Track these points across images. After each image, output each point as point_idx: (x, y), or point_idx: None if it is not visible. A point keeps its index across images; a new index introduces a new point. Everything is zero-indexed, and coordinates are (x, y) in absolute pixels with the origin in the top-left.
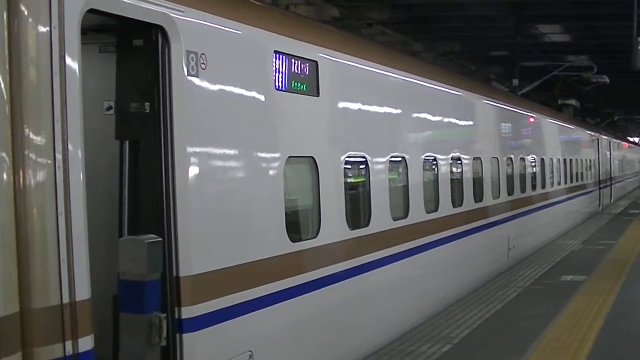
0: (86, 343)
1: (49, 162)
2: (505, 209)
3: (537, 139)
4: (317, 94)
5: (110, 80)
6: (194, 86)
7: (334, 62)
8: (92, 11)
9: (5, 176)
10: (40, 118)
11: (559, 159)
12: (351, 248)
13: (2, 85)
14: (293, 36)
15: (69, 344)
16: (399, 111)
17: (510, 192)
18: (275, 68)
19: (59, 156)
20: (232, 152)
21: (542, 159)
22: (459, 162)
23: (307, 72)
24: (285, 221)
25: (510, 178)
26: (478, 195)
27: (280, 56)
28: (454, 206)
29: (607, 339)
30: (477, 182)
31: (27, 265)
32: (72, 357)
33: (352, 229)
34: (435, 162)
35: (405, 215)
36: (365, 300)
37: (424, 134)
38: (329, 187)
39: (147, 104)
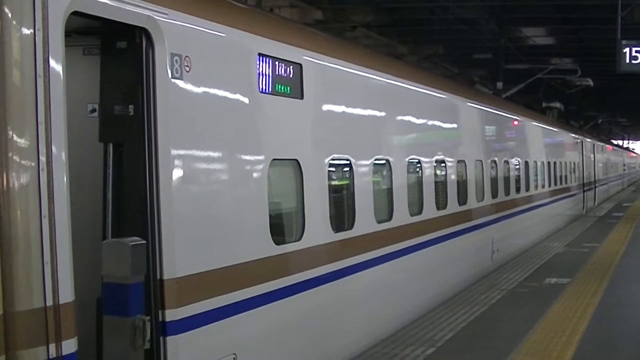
0: (70, 346)
1: (33, 164)
2: (489, 211)
3: (521, 141)
4: (302, 97)
5: (94, 82)
6: (178, 89)
7: (319, 65)
8: (76, 13)
9: None
10: (24, 120)
11: (542, 162)
12: (335, 251)
13: None
14: (277, 39)
15: (52, 347)
16: (383, 114)
17: (494, 194)
18: (260, 71)
19: (42, 159)
20: (216, 154)
21: (526, 162)
22: (443, 164)
23: (292, 75)
24: (269, 224)
25: (494, 181)
26: (462, 198)
27: (265, 59)
28: (438, 209)
29: (591, 342)
30: (461, 185)
31: (11, 267)
32: None
33: (336, 232)
34: (419, 165)
35: (390, 218)
36: (349, 303)
37: (408, 136)
38: (313, 190)
39: (131, 107)
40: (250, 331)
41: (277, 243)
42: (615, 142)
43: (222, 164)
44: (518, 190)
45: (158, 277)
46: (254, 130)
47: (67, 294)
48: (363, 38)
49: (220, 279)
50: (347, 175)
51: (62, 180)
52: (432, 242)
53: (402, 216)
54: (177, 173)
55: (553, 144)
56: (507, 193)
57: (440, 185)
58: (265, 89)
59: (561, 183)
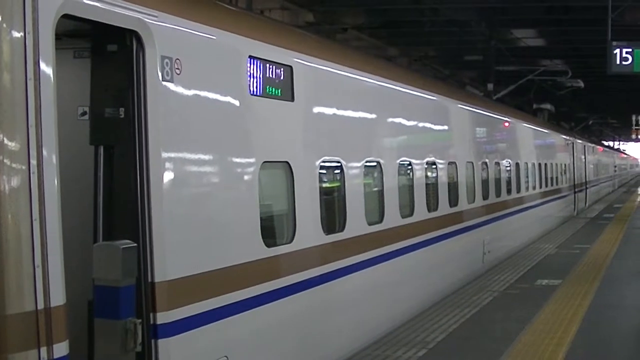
0: (61, 349)
1: (24, 167)
2: (480, 213)
3: (512, 143)
4: (292, 99)
5: (84, 85)
6: (168, 91)
7: (309, 67)
8: (66, 16)
9: None
10: (15, 123)
11: (533, 164)
12: (326, 253)
13: None
14: (268, 41)
15: (43, 350)
16: (374, 116)
17: (485, 196)
18: (250, 73)
19: (33, 162)
20: (206, 157)
21: (517, 164)
22: (434, 166)
23: (282, 77)
24: (260, 226)
25: (485, 182)
26: (453, 200)
27: (255, 61)
28: (429, 211)
29: (582, 343)
30: (452, 187)
31: (2, 271)
32: None
33: (327, 234)
34: (410, 167)
35: (381, 220)
36: (341, 305)
37: (399, 138)
38: (304, 192)
39: (121, 109)
40: (241, 333)
41: (268, 245)
42: (606, 143)
43: (213, 167)
44: (509, 191)
45: (149, 279)
46: (244, 133)
47: (58, 297)
48: (354, 40)
49: (211, 281)
50: (338, 178)
51: (52, 183)
52: (423, 244)
53: (393, 218)
54: (167, 176)
55: (544, 146)
56: (498, 195)
57: (431, 187)
58: (256, 92)
59: (552, 184)
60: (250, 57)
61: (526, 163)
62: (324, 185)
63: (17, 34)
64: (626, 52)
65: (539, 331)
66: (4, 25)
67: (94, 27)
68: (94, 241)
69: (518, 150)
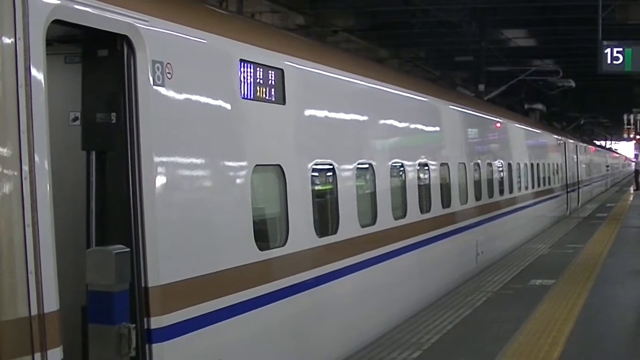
0: (55, 355)
1: (16, 173)
2: (473, 214)
3: (504, 144)
4: (284, 102)
5: (76, 91)
6: (160, 96)
7: (300, 70)
8: (57, 22)
9: None
10: (6, 129)
11: (526, 164)
12: (319, 256)
13: None
14: (259, 44)
15: (37, 356)
16: (365, 118)
17: (478, 197)
18: (241, 76)
19: (25, 168)
20: (198, 161)
21: (509, 164)
22: (426, 168)
23: (273, 80)
24: (253, 230)
25: (477, 183)
26: (446, 201)
27: (246, 64)
28: (421, 212)
29: (577, 342)
30: (445, 188)
31: None
32: None
33: (320, 237)
34: (402, 169)
35: (373, 222)
36: (334, 308)
37: (391, 140)
38: (297, 195)
39: (113, 114)
40: (236, 337)
41: (261, 249)
42: (597, 142)
43: (205, 171)
44: (502, 192)
45: (142, 284)
46: (236, 136)
47: (51, 303)
48: (344, 42)
49: (205, 285)
50: (331, 180)
51: (45, 189)
52: (416, 245)
53: (385, 220)
54: (160, 180)
55: (536, 146)
56: (491, 195)
57: (424, 189)
58: (247, 95)
59: (544, 184)
60: (241, 60)
61: (518, 163)
62: (317, 188)
63: (7, 40)
64: (617, 52)
65: (533, 331)
66: None
67: (85, 32)
68: (87, 246)
69: (510, 150)
